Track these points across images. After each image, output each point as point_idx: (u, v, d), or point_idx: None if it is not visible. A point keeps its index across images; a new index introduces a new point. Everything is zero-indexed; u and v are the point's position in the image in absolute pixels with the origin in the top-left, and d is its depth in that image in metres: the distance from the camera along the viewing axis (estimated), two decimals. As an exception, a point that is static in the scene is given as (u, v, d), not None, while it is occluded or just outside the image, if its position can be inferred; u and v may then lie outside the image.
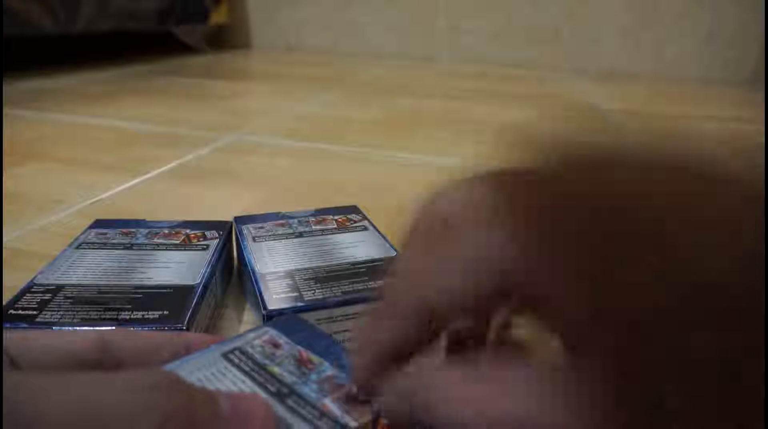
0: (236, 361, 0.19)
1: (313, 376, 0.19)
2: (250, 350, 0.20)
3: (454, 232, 0.16)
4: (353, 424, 0.18)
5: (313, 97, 1.15)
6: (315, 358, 0.20)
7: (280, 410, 0.18)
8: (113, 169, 0.65)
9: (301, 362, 0.20)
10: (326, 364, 0.20)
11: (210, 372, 0.19)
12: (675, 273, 0.12)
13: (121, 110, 0.96)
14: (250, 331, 0.22)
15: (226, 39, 2.04)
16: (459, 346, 0.19)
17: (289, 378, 0.19)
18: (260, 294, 0.31)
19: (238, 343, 0.20)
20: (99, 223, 0.39)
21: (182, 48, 1.82)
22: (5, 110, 0.92)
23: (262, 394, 0.18)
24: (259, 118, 0.94)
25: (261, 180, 0.63)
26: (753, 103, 1.31)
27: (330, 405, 0.18)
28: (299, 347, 0.21)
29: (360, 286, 0.32)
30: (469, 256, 0.16)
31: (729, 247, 0.11)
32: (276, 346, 0.21)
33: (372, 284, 0.32)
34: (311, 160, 0.71)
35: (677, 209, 0.12)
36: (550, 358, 0.15)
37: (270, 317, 0.29)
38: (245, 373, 0.19)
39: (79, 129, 0.83)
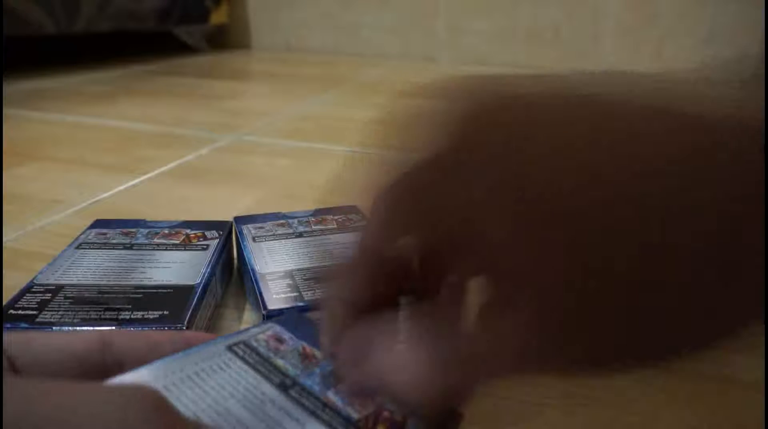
0: (240, 353, 0.20)
1: (317, 370, 0.20)
2: (254, 344, 0.20)
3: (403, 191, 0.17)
4: (355, 415, 0.18)
5: (313, 97, 1.15)
6: (318, 354, 0.20)
7: (284, 401, 0.18)
8: (113, 169, 0.65)
9: (304, 357, 0.20)
10: (329, 360, 0.20)
11: (214, 363, 0.19)
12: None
13: (121, 110, 0.96)
14: (254, 326, 0.22)
15: (226, 39, 2.04)
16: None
17: (292, 371, 0.19)
18: (260, 294, 0.31)
19: (242, 337, 0.21)
20: (99, 223, 0.39)
21: (182, 48, 1.82)
22: (5, 110, 0.92)
23: (267, 385, 0.18)
24: (259, 118, 0.94)
25: (261, 180, 0.63)
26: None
27: (332, 397, 0.18)
28: (303, 342, 0.21)
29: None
30: (414, 209, 0.16)
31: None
32: (280, 341, 0.21)
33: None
34: (311, 160, 0.71)
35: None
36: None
37: (270, 317, 0.29)
38: (249, 365, 0.19)
39: (79, 129, 0.83)
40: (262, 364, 0.19)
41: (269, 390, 0.18)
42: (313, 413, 0.18)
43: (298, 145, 0.78)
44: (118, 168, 0.65)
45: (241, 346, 0.20)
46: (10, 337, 0.17)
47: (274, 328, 0.22)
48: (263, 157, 0.72)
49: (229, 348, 0.20)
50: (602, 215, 0.12)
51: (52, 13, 1.21)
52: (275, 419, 0.17)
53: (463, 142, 0.15)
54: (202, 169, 0.66)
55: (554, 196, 0.12)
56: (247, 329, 0.21)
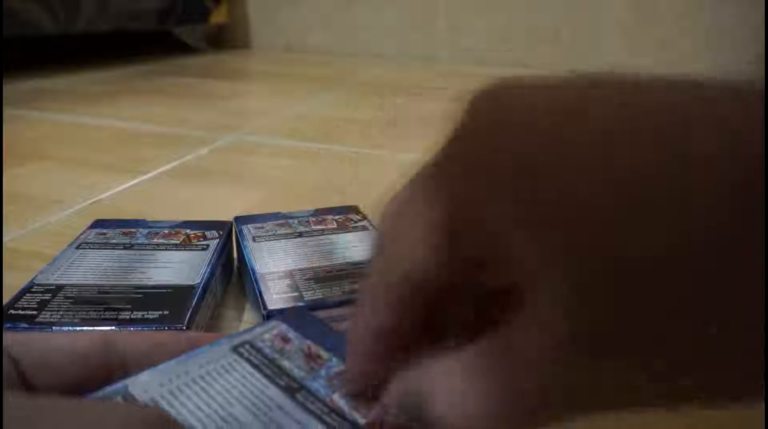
0: (246, 354, 0.19)
1: (322, 372, 0.19)
2: (259, 344, 0.20)
3: (415, 207, 0.16)
4: (361, 421, 0.17)
5: (313, 97, 1.15)
6: (324, 354, 0.20)
7: (291, 406, 0.18)
8: (113, 169, 0.65)
9: (310, 357, 0.20)
10: (334, 359, 0.20)
11: (219, 365, 0.19)
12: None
13: (121, 110, 0.96)
14: (259, 325, 0.21)
15: (226, 39, 2.04)
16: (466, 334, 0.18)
17: (298, 373, 0.19)
18: (260, 294, 0.31)
19: (247, 337, 0.20)
20: (99, 223, 0.39)
21: (182, 48, 1.82)
22: (5, 110, 0.92)
23: (274, 389, 0.18)
24: (259, 118, 0.94)
25: (261, 180, 0.63)
26: (753, 103, 1.31)
27: (338, 401, 0.18)
28: (308, 342, 0.21)
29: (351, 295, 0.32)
30: (434, 225, 0.15)
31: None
32: (285, 340, 0.21)
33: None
34: (311, 160, 0.71)
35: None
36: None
37: (270, 317, 0.29)
38: (255, 367, 0.19)
39: (79, 129, 0.83)
40: (267, 366, 0.19)
41: (276, 394, 0.18)
42: (319, 418, 0.17)
43: (298, 145, 0.78)
44: (118, 168, 0.65)
45: (247, 346, 0.20)
46: (12, 338, 0.17)
47: (279, 326, 0.21)
48: (263, 157, 0.72)
49: (234, 349, 0.19)
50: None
51: (52, 13, 1.21)
52: (282, 425, 0.17)
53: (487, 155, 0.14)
54: (202, 169, 0.66)
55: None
56: (251, 328, 0.21)
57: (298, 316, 0.22)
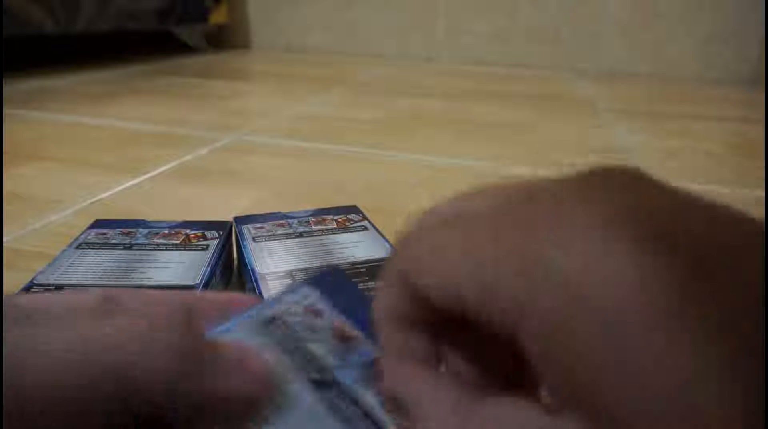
0: (278, 334, 0.18)
1: (354, 358, 0.18)
2: (290, 319, 0.18)
3: (464, 223, 0.14)
4: (393, 427, 0.16)
5: (313, 97, 1.15)
6: (354, 332, 0.19)
7: (320, 407, 0.16)
8: (113, 169, 0.65)
9: (342, 337, 0.18)
10: (365, 339, 0.18)
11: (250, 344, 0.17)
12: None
13: (121, 110, 0.96)
14: (290, 291, 0.19)
15: (226, 39, 2.04)
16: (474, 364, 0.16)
17: (329, 360, 0.18)
18: (260, 294, 0.31)
19: (277, 310, 0.19)
20: (99, 223, 0.39)
21: (182, 48, 1.82)
22: (5, 110, 0.92)
23: (301, 385, 0.17)
24: (259, 118, 0.94)
25: (261, 180, 0.63)
26: (753, 103, 1.31)
27: (371, 400, 0.17)
28: (339, 316, 0.19)
29: (360, 286, 0.32)
30: (467, 254, 0.13)
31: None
32: (316, 313, 0.19)
33: (372, 284, 0.32)
34: (311, 160, 0.71)
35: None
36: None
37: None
38: (287, 352, 0.17)
39: (79, 129, 0.83)
40: (297, 351, 0.18)
41: (303, 392, 0.17)
42: (350, 423, 0.16)
43: (298, 145, 0.78)
44: (118, 168, 0.65)
45: (279, 323, 0.18)
46: (13, 298, 0.16)
47: (311, 295, 0.19)
48: (263, 157, 0.72)
49: (262, 326, 0.18)
50: None
51: (53, 13, 1.21)
52: None
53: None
54: (202, 169, 0.66)
55: None
56: (283, 294, 0.19)
57: (330, 279, 0.20)
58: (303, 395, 0.17)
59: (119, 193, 0.58)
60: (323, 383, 0.17)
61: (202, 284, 0.32)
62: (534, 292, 0.11)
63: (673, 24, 1.66)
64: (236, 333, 0.18)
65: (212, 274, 0.34)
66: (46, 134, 0.79)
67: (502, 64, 1.81)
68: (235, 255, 0.41)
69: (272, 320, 0.18)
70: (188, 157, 0.70)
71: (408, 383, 0.15)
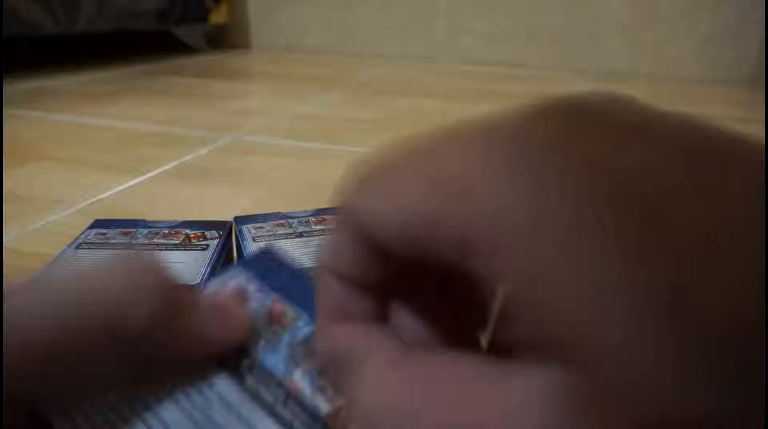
0: None
1: (286, 338, 0.16)
2: None
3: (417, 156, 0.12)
4: (325, 408, 0.15)
5: (313, 97, 1.15)
6: (290, 312, 0.17)
7: (235, 396, 0.15)
8: (113, 169, 0.65)
9: (273, 318, 0.17)
10: (303, 317, 0.17)
11: None
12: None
13: (121, 110, 0.96)
14: (218, 275, 0.18)
15: (226, 39, 2.04)
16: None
17: (255, 344, 0.16)
18: (260, 294, 0.31)
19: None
20: (99, 223, 0.39)
21: (182, 48, 1.82)
22: (5, 110, 0.92)
23: (218, 377, 0.16)
24: (259, 118, 0.94)
25: (261, 180, 0.63)
26: (753, 103, 1.31)
27: (299, 381, 0.15)
28: (274, 295, 0.17)
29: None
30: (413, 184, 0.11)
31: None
32: (245, 297, 0.18)
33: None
34: (311, 160, 0.71)
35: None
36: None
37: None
38: None
39: (79, 129, 0.83)
40: None
41: (220, 383, 0.16)
42: (271, 410, 0.15)
43: (298, 145, 0.78)
44: (118, 168, 0.65)
45: None
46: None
47: (239, 276, 0.18)
48: (263, 157, 0.72)
49: None
50: None
51: (53, 13, 1.21)
52: (218, 425, 0.15)
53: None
54: (201, 169, 0.66)
55: None
56: (208, 280, 0.19)
57: (264, 259, 0.19)
58: (219, 384, 0.16)
59: (119, 193, 0.58)
60: (242, 369, 0.16)
61: (202, 284, 0.32)
62: (479, 222, 0.10)
63: (673, 24, 1.66)
64: None
65: (212, 274, 0.34)
66: (46, 134, 0.79)
67: (502, 64, 1.81)
68: (235, 255, 0.41)
69: None
70: (188, 157, 0.70)
71: (343, 340, 0.13)
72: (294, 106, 1.04)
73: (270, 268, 0.18)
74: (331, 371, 0.14)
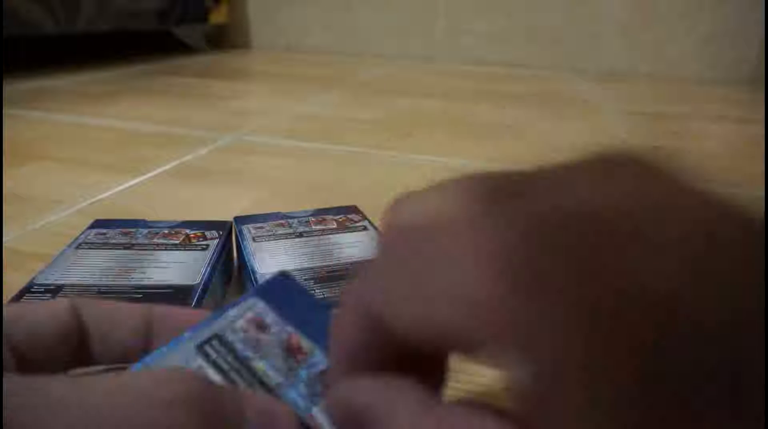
0: (213, 355, 0.16)
1: (303, 373, 0.17)
2: (230, 337, 0.17)
3: (425, 244, 0.13)
4: None
5: (313, 97, 1.15)
6: (306, 345, 0.17)
7: None
8: (113, 169, 0.65)
9: (290, 351, 0.17)
10: (318, 351, 0.17)
11: None
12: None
13: (121, 110, 0.96)
14: (234, 304, 0.18)
15: (226, 39, 2.04)
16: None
17: (275, 378, 0.16)
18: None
19: (216, 328, 0.17)
20: (99, 223, 0.39)
21: (182, 48, 1.82)
22: (5, 110, 0.92)
23: None
24: (259, 118, 0.94)
25: (261, 180, 0.63)
26: (753, 103, 1.31)
27: (319, 417, 0.15)
28: (289, 328, 0.18)
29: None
30: (429, 281, 0.12)
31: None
32: (262, 328, 0.17)
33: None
34: (311, 160, 0.71)
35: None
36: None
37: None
38: (224, 373, 0.16)
39: (79, 129, 0.83)
40: (238, 371, 0.16)
41: None
42: None
43: (298, 145, 0.78)
44: (118, 168, 0.65)
45: (215, 344, 0.17)
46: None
47: (255, 307, 0.18)
48: (263, 157, 0.72)
49: (200, 348, 0.16)
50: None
51: (53, 13, 1.21)
52: None
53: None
54: (201, 169, 0.66)
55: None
56: (223, 310, 0.18)
57: (279, 288, 0.19)
58: None
59: (119, 193, 0.58)
60: None
61: (202, 284, 0.32)
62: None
63: (673, 24, 1.66)
64: (172, 357, 0.16)
65: (212, 274, 0.34)
66: (46, 134, 0.79)
67: (502, 64, 1.81)
68: (235, 255, 0.41)
69: (209, 341, 0.17)
70: (188, 157, 0.70)
71: (370, 391, 0.14)
72: (294, 106, 1.04)
73: (287, 298, 0.18)
74: (347, 422, 0.14)
